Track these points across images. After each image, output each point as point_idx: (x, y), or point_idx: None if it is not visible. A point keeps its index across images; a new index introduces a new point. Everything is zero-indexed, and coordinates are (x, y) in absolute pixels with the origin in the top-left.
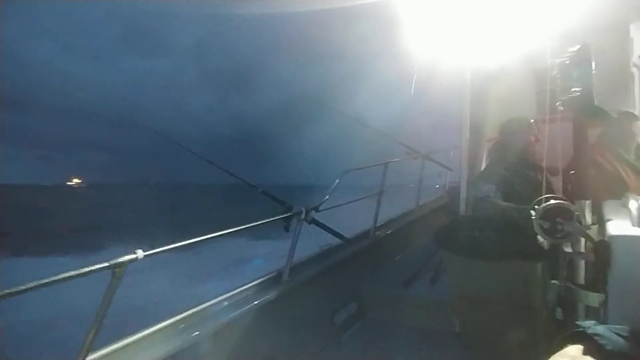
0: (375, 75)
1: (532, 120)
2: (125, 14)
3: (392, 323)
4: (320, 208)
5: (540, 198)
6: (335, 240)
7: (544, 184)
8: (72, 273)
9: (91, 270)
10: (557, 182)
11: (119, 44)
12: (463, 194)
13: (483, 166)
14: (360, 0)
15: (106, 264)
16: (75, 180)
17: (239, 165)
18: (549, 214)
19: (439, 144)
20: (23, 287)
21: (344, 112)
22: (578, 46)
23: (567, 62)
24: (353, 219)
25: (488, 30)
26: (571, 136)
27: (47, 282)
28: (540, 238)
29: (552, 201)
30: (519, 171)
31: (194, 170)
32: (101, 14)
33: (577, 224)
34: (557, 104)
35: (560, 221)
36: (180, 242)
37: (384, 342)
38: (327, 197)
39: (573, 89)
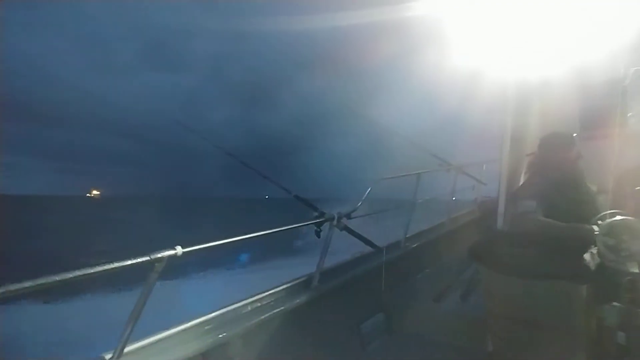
0: (410, 88)
1: (574, 135)
2: (146, 30)
3: (420, 337)
4: (352, 215)
5: (604, 213)
6: (367, 248)
7: (597, 200)
8: (114, 265)
9: (132, 263)
10: (606, 199)
11: (140, 60)
12: (501, 209)
13: (521, 181)
14: (398, 14)
15: (147, 258)
16: (95, 192)
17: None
18: (614, 231)
19: (476, 157)
20: (70, 276)
21: (377, 121)
22: None
23: None
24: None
25: (534, 43)
26: (620, 152)
27: (92, 273)
28: (587, 257)
29: (619, 217)
30: (560, 187)
31: (217, 183)
32: (123, 30)
33: None
34: (629, 115)
35: (625, 239)
36: (218, 241)
37: (410, 356)
38: (359, 204)
39: None
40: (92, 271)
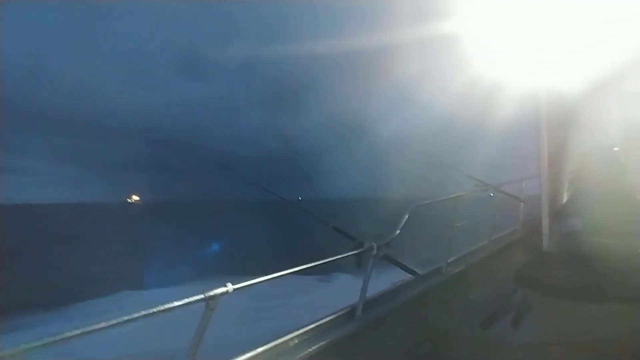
0: (440, 105)
1: (616, 149)
2: (178, 42)
3: None
4: (392, 243)
5: None
6: (407, 276)
7: None
8: (168, 305)
9: (187, 303)
10: None
11: (173, 71)
12: (545, 229)
13: (565, 199)
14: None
15: (201, 296)
16: (134, 198)
17: (290, 181)
18: None
19: (512, 176)
20: (126, 318)
21: (403, 143)
22: None
23: None
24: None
25: (566, 54)
26: None
27: (146, 315)
28: None
29: None
30: (606, 203)
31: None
32: (157, 44)
33: None
34: None
35: None
36: (265, 275)
37: None
38: (397, 231)
39: None
40: (145, 313)
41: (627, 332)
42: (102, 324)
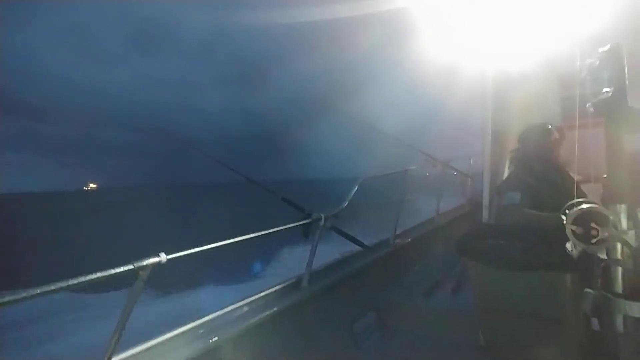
0: (392, 81)
1: (549, 126)
2: (132, 14)
3: (413, 334)
4: (340, 215)
5: (571, 202)
6: (355, 248)
7: (575, 189)
8: (97, 275)
9: (115, 273)
10: (589, 189)
11: (128, 46)
12: (485, 202)
13: (505, 175)
14: (376, 8)
15: (130, 267)
16: (92, 185)
17: (252, 161)
18: (582, 219)
19: (460, 152)
20: (51, 288)
21: (361, 119)
22: (608, 46)
23: (597, 62)
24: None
25: (510, 35)
26: (601, 141)
27: (74, 283)
28: (569, 247)
29: (585, 205)
30: (543, 178)
31: (209, 170)
32: (109, 15)
33: (614, 229)
34: (587, 105)
35: (594, 226)
36: (202, 246)
37: (403, 354)
38: (345, 203)
39: (604, 90)
40: (74, 282)
41: (552, 297)
42: (28, 293)
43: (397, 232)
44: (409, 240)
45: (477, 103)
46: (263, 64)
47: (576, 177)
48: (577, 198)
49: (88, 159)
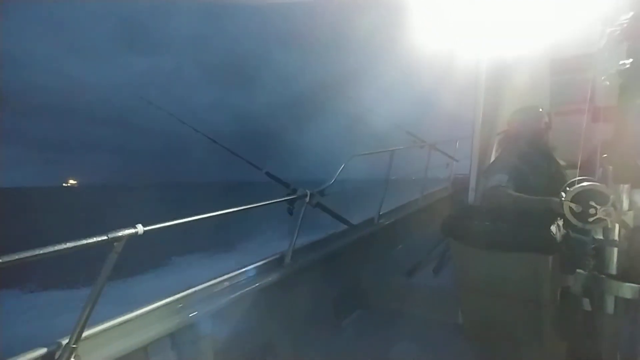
0: (385, 68)
1: (540, 110)
2: (120, 11)
3: (394, 312)
4: (326, 192)
5: (572, 180)
6: (340, 226)
7: (578, 168)
8: (70, 244)
9: (89, 243)
10: (573, 175)
11: (116, 42)
12: (472, 184)
13: (493, 158)
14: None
15: (104, 237)
16: (71, 182)
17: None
18: (581, 197)
19: (449, 135)
20: (24, 255)
21: (352, 99)
22: (631, 14)
23: (617, 32)
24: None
25: (502, 20)
26: (589, 126)
27: (47, 253)
28: (553, 229)
29: (587, 183)
30: (531, 161)
31: (195, 168)
32: (97, 11)
33: (613, 209)
34: (602, 78)
35: (593, 205)
36: (182, 219)
37: (384, 331)
38: (332, 180)
39: (622, 62)
40: (46, 251)
41: (533, 278)
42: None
43: (382, 212)
44: (393, 220)
45: (470, 87)
46: (251, 57)
47: (565, 163)
48: (571, 178)
49: (68, 155)
